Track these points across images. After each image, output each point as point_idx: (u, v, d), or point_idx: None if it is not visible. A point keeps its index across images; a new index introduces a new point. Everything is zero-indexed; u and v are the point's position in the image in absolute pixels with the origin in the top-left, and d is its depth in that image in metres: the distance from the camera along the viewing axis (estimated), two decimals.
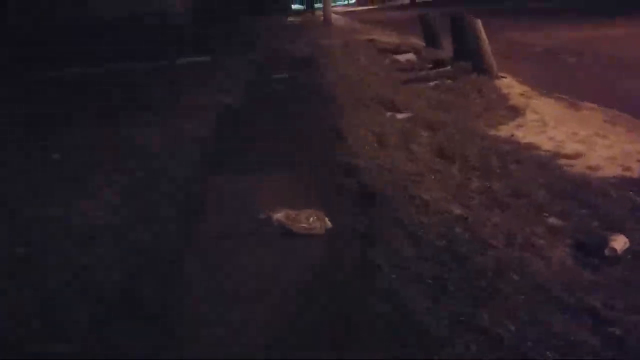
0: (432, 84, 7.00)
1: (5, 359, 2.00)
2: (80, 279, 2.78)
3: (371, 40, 12.95)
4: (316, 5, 32.90)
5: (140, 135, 5.23)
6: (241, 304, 2.62)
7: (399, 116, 5.53)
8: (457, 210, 3.26)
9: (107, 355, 2.30)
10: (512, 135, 4.68)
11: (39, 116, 6.42)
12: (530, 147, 4.26)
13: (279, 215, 3.53)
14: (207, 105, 6.67)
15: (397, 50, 10.38)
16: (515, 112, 5.48)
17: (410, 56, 9.75)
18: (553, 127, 4.78)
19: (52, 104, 7.19)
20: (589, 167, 3.78)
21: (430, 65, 8.33)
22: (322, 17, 22.10)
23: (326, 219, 3.45)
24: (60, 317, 2.51)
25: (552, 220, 3.10)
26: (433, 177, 3.76)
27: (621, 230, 2.86)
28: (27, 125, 6.05)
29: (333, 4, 27.80)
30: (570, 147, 4.20)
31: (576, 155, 4.02)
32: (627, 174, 3.59)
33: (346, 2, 61.79)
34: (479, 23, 7.16)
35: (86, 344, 2.34)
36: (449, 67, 7.86)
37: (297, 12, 29.54)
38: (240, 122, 5.95)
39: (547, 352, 2.09)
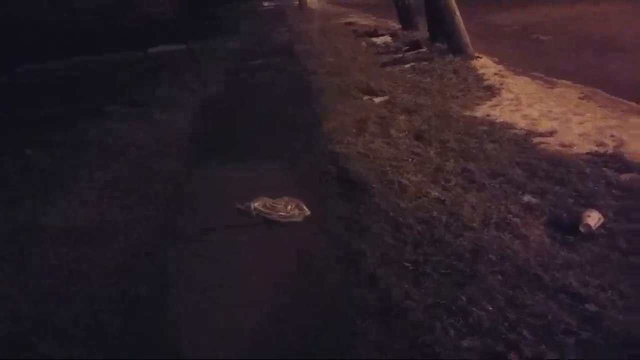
0: (408, 66, 7.00)
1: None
2: None
3: (348, 24, 12.89)
4: None
5: (117, 130, 5.19)
6: (223, 299, 2.63)
7: (377, 100, 5.53)
8: (435, 193, 3.28)
9: None
10: (488, 116, 4.72)
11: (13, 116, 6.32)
12: (506, 126, 4.29)
13: (256, 204, 3.53)
14: (184, 96, 6.62)
15: (374, 34, 10.35)
16: (491, 91, 5.50)
17: (387, 39, 9.73)
18: (528, 105, 4.81)
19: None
20: (564, 145, 3.82)
21: (407, 48, 8.32)
22: (297, 2, 21.89)
23: (304, 206, 3.46)
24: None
25: (528, 198, 3.13)
26: (411, 161, 3.78)
27: (596, 207, 2.91)
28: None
29: None
30: (545, 125, 4.23)
31: (551, 133, 4.05)
32: (601, 149, 3.64)
33: None
34: (453, 2, 7.15)
35: None
36: (424, 49, 7.86)
37: None
38: (219, 112, 5.92)
39: (525, 332, 2.13)
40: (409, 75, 6.48)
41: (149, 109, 6.06)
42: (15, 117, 6.14)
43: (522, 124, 4.36)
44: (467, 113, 4.75)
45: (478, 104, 5.11)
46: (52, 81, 8.36)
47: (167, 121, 5.62)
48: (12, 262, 2.93)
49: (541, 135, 4.06)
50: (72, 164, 4.38)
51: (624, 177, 3.25)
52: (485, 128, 4.29)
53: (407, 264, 2.65)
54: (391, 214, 3.13)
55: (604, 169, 3.37)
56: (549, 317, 2.18)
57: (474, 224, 2.86)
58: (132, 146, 4.79)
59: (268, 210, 3.46)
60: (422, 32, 9.05)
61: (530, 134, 4.10)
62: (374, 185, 3.51)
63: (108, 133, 5.25)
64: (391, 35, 10.02)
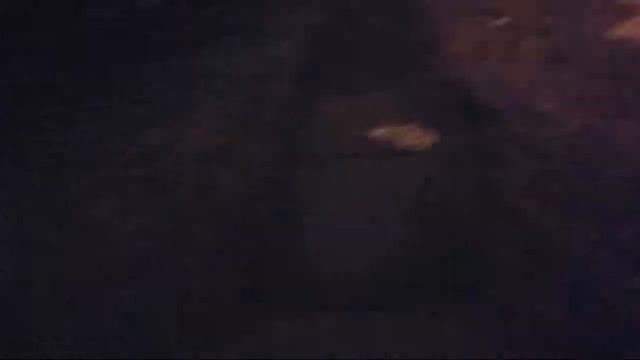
0: None
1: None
2: None
3: None
4: None
5: (230, 60, 5.17)
6: (353, 226, 2.58)
7: (498, 22, 5.13)
8: (579, 121, 3.01)
9: None
10: (629, 37, 4.24)
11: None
12: None
13: (381, 132, 3.41)
14: (292, 23, 6.47)
15: None
16: (628, 11, 4.94)
17: None
18: None
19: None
20: None
21: None
22: None
23: (431, 134, 3.31)
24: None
25: None
26: (547, 87, 3.48)
27: None
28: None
29: None
30: None
31: None
32: None
33: None
34: None
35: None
36: None
37: None
38: (328, 41, 5.74)
39: None
40: None
41: (256, 38, 6.00)
42: (136, 46, 6.25)
43: None
44: (606, 34, 4.29)
45: (615, 24, 4.60)
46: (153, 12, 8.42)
47: (276, 50, 5.54)
48: (153, 182, 3.02)
49: None
50: (189, 92, 4.43)
51: None
52: (629, 49, 3.86)
53: (555, 197, 2.47)
54: (528, 143, 2.91)
55: None
56: None
57: (631, 156, 2.60)
58: (246, 75, 4.77)
59: (393, 138, 3.34)
60: None
61: None
62: (505, 113, 3.28)
63: (219, 63, 5.25)
64: None
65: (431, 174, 2.92)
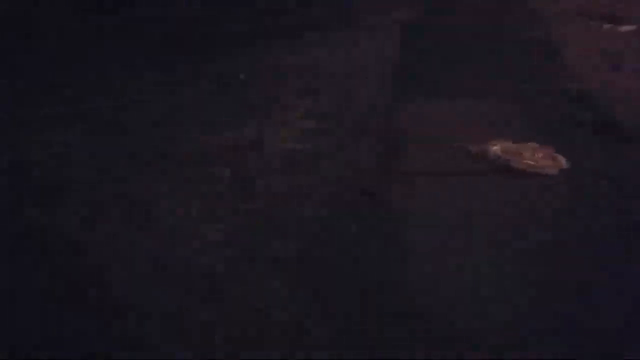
0: None
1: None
2: None
3: None
4: None
5: (317, 55, 4.81)
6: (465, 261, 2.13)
7: (623, 29, 4.52)
8: None
9: None
10: None
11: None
12: None
13: (496, 148, 2.94)
14: (383, 19, 6.05)
15: None
16: None
17: None
18: None
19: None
20: None
21: None
22: None
23: (559, 156, 2.81)
24: None
25: None
26: None
27: None
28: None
29: None
30: None
31: None
32: None
33: None
34: None
35: None
36: None
37: None
38: (422, 40, 5.29)
39: None
40: None
41: (346, 33, 5.61)
42: (208, 36, 5.98)
43: None
44: None
45: None
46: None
47: (367, 46, 5.13)
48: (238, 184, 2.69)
49: None
50: (276, 88, 4.10)
51: None
52: None
53: None
54: None
55: None
56: None
57: None
58: (334, 73, 4.38)
59: (511, 157, 2.86)
60: None
61: None
62: None
63: (307, 58, 4.89)
64: None
65: (561, 204, 2.44)
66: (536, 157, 2.84)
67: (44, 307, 1.92)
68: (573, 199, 2.48)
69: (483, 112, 3.38)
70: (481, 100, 3.52)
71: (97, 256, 2.17)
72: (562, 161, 2.76)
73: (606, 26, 4.70)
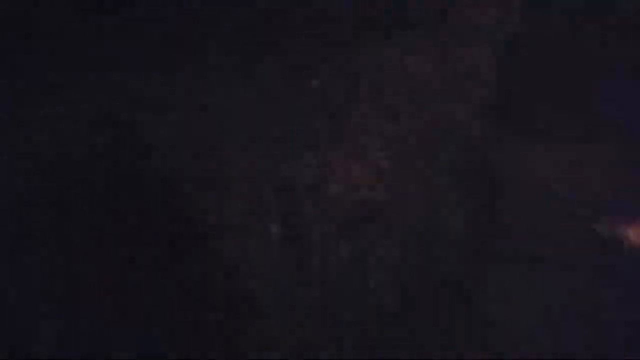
0: None
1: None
2: None
3: None
4: None
5: (404, 62, 4.16)
6: None
7: None
8: None
9: None
10: None
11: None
12: None
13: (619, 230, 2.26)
14: (482, 21, 5.28)
15: None
16: None
17: None
18: None
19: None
20: None
21: None
22: None
23: None
24: None
25: None
26: None
27: None
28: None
29: None
30: None
31: None
32: None
33: None
34: None
35: None
36: None
37: None
38: (532, 58, 4.51)
39: None
40: None
41: (440, 37, 4.89)
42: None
43: None
44: None
45: None
46: None
47: (464, 55, 4.42)
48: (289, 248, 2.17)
49: None
50: (345, 108, 3.51)
51: None
52: None
53: None
54: None
55: None
56: None
57: None
58: (423, 87, 3.75)
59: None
60: None
61: None
62: None
63: (391, 63, 4.26)
64: None
65: None
66: None
67: None
68: None
69: (597, 162, 2.68)
70: (594, 141, 2.80)
71: None
72: None
73: None
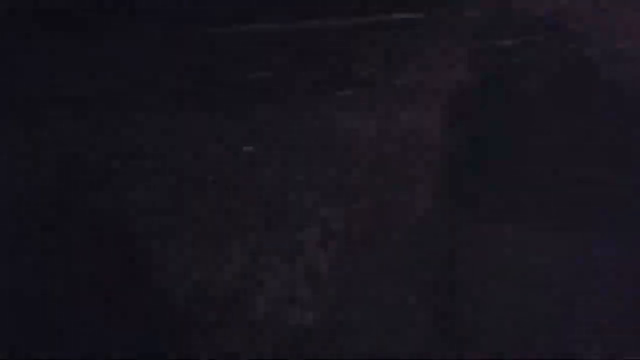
0: None
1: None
2: None
3: None
4: None
5: (346, 125, 3.77)
6: None
7: None
8: None
9: None
10: None
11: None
12: None
13: None
14: (427, 81, 4.99)
15: None
16: None
17: None
18: None
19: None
20: None
21: None
22: None
23: None
24: None
25: None
26: None
27: None
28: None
29: None
30: None
31: None
32: None
33: None
34: None
35: None
36: None
37: None
38: (483, 118, 4.21)
39: None
40: None
41: (382, 96, 4.54)
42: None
43: None
44: None
45: None
46: (260, 46, 7.20)
47: (409, 117, 4.06)
48: None
49: None
50: (279, 184, 3.03)
51: None
52: None
53: None
54: None
55: None
56: None
57: None
58: (366, 153, 3.32)
59: None
60: None
61: None
62: None
63: (334, 127, 3.85)
64: None
65: None
66: None
67: None
68: None
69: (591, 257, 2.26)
70: (578, 232, 2.39)
71: None
72: None
73: None
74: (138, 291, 2.03)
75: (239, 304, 1.91)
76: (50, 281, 2.25)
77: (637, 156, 3.20)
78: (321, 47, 6.80)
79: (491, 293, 2.05)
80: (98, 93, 3.25)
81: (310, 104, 4.23)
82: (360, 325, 1.87)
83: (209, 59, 6.07)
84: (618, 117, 3.74)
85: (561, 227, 2.34)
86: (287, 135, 3.64)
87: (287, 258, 2.15)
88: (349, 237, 2.32)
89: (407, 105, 4.15)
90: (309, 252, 2.20)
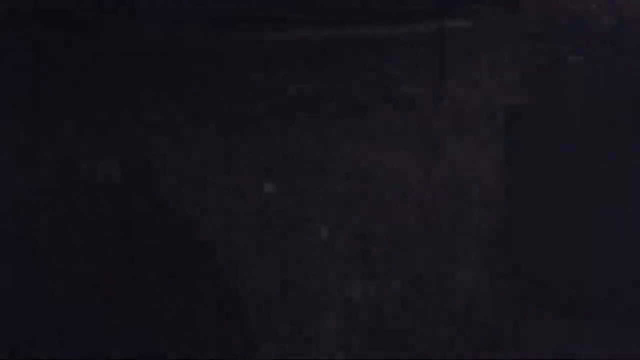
0: None
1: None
2: None
3: None
4: None
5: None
6: None
7: None
8: None
9: None
10: None
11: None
12: None
13: None
14: (475, 101, 4.38)
15: None
16: None
17: None
18: None
19: None
20: None
21: None
22: None
23: None
24: None
25: None
26: None
27: None
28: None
29: None
30: None
31: None
32: None
33: None
34: None
35: None
36: None
37: None
38: (540, 139, 3.59)
39: None
40: None
41: (427, 120, 3.95)
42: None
43: None
44: None
45: None
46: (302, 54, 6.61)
47: (456, 151, 3.47)
48: None
49: None
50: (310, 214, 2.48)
51: None
52: None
53: None
54: None
55: None
56: None
57: None
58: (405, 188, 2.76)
59: None
60: None
61: None
62: None
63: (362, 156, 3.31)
64: None
65: None
66: None
67: None
68: None
69: None
70: None
71: None
72: None
73: None
74: None
75: None
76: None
77: None
78: (353, 59, 6.05)
79: None
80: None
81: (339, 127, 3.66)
82: None
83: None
84: None
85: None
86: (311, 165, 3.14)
87: None
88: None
89: (455, 134, 3.54)
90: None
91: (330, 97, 4.13)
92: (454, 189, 2.76)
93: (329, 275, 2.06)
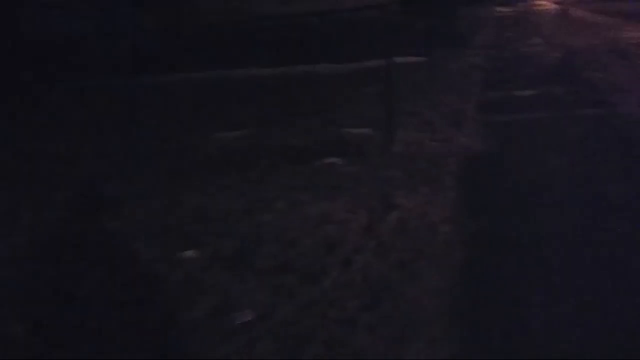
0: None
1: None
2: None
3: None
4: None
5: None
6: None
7: None
8: None
9: None
10: None
11: None
12: None
13: None
14: (425, 143, 4.26)
15: None
16: None
17: None
18: None
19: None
20: None
21: None
22: (542, 7, 18.23)
23: None
24: None
25: None
26: None
27: None
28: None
29: None
30: None
31: None
32: None
33: None
34: None
35: None
36: None
37: (506, 2, 25.11)
38: (499, 180, 3.47)
39: None
40: None
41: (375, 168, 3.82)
42: None
43: None
44: None
45: None
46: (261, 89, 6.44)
47: (407, 200, 3.26)
48: None
49: None
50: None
51: None
52: None
53: None
54: None
55: None
56: None
57: None
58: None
59: None
60: None
61: None
62: None
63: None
64: None
65: None
66: None
67: None
68: None
69: None
70: None
71: None
72: None
73: None
74: None
75: None
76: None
77: None
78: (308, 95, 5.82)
79: None
80: None
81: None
82: None
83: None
84: None
85: None
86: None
87: None
88: None
89: (408, 182, 3.36)
90: None
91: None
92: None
93: None
